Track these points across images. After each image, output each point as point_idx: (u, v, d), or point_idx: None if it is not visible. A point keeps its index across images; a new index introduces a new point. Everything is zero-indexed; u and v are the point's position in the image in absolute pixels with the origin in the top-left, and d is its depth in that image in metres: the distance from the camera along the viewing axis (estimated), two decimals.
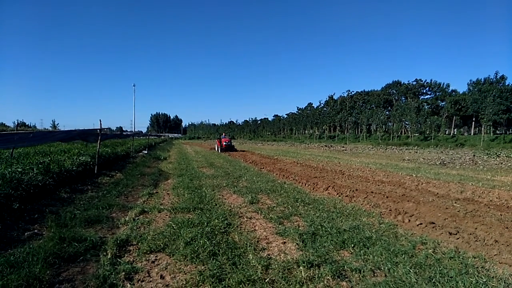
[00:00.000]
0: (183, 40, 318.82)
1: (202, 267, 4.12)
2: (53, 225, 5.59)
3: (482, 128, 56.38)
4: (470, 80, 66.11)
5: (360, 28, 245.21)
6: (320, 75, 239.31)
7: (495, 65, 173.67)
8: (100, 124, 12.44)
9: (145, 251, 4.72)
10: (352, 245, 4.87)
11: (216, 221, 6.10)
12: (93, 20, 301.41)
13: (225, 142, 30.40)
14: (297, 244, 5.02)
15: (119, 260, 4.36)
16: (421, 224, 6.12)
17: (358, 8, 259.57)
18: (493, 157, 23.61)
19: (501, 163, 19.34)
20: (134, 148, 26.92)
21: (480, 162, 19.96)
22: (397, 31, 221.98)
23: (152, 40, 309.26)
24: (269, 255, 4.60)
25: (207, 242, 4.85)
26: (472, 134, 67.62)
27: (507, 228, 5.85)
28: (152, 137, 66.68)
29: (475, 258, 4.46)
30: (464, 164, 19.06)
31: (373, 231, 5.66)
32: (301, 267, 4.01)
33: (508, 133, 61.88)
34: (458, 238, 5.31)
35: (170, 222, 6.03)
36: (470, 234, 5.51)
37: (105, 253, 4.56)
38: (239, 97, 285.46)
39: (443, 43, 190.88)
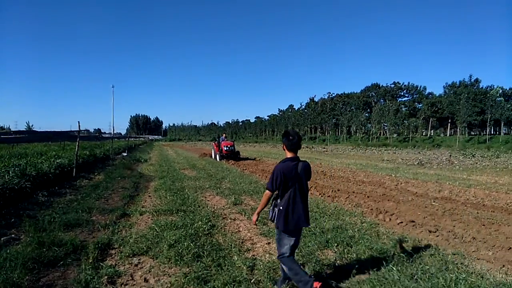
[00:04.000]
0: (163, 41, 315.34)
1: (187, 269, 4.08)
2: (31, 229, 5.42)
3: (458, 130, 58.16)
4: (446, 83, 68.41)
5: (340, 31, 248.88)
6: (301, 78, 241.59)
7: (470, 68, 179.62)
8: (79, 126, 12.17)
9: (127, 254, 4.63)
10: (336, 244, 4.92)
11: (200, 223, 6.05)
12: (69, 20, 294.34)
13: (227, 146, 21.51)
14: None
15: (101, 263, 4.26)
16: (401, 222, 6.26)
17: (339, 11, 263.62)
18: (469, 157, 24.39)
19: (476, 163, 20.00)
20: (114, 150, 26.43)
21: (456, 162, 20.57)
22: (377, 35, 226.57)
23: (131, 41, 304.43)
24: (254, 256, 4.60)
25: (191, 244, 4.80)
26: (448, 135, 69.71)
27: (483, 225, 6.05)
28: (132, 139, 65.70)
29: (454, 254, 4.58)
30: (441, 164, 19.60)
31: (356, 230, 5.73)
32: None
33: (482, 134, 64.02)
34: (437, 236, 5.46)
35: (153, 225, 5.93)
36: (449, 231, 5.67)
37: (86, 257, 4.44)
38: (220, 99, 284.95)
39: (420, 47, 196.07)
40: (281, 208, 3.32)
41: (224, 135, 23.93)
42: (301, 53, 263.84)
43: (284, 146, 3.42)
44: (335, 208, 7.51)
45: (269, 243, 5.18)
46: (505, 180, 12.41)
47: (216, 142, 22.88)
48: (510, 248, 4.74)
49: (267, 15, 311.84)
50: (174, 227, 5.76)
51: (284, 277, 3.54)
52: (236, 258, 4.38)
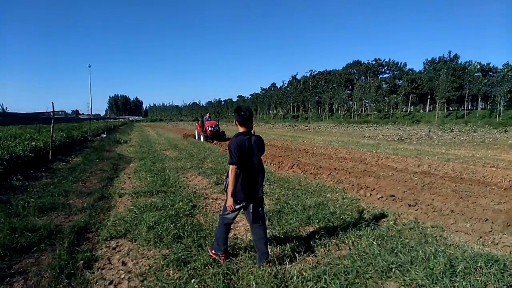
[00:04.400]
0: (141, 18, 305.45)
1: (167, 251, 4.00)
2: (3, 214, 5.21)
3: (437, 105, 59.23)
4: (425, 59, 68.92)
5: (321, 8, 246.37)
6: (283, 56, 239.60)
7: (449, 44, 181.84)
8: (53, 106, 11.70)
9: (105, 237, 4.50)
10: (317, 221, 4.92)
11: (181, 203, 5.95)
12: None
13: (211, 126, 20.25)
14: None
15: (77, 248, 4.13)
16: (382, 197, 6.32)
17: None
18: (447, 132, 24.96)
19: (455, 138, 20.48)
20: (92, 131, 25.80)
21: (435, 137, 21.00)
22: (357, 11, 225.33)
23: (109, 19, 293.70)
24: (235, 235, 4.56)
25: (171, 225, 4.71)
26: (427, 111, 70.99)
27: (461, 198, 6.17)
28: (111, 120, 64.33)
29: (433, 228, 4.65)
30: (421, 140, 19.97)
31: (337, 206, 5.76)
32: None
33: (460, 109, 65.42)
34: (417, 210, 5.54)
35: (132, 207, 5.81)
36: (428, 205, 5.75)
37: (61, 242, 4.30)
38: (202, 79, 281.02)
39: (401, 23, 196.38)
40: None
41: (207, 114, 22.47)
42: (283, 31, 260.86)
43: (237, 122, 3.52)
44: (317, 185, 7.53)
45: None
46: (482, 153, 12.73)
47: (199, 122, 21.57)
48: (487, 219, 4.84)
49: None
50: (154, 209, 5.65)
51: (261, 254, 3.55)
52: None
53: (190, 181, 8.47)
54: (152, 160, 11.87)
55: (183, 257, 3.78)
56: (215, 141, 19.66)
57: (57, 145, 14.00)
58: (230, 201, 3.45)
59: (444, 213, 5.38)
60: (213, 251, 3.75)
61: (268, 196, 6.60)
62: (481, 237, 4.34)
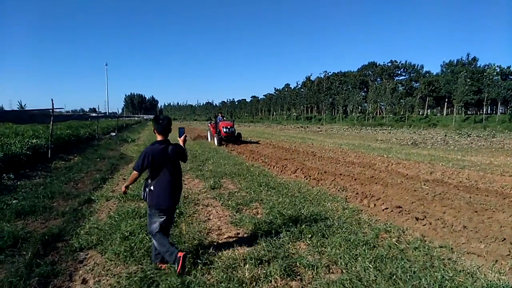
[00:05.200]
0: (158, 19, 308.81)
1: (134, 268, 3.56)
2: None
3: (454, 109, 57.59)
4: (443, 62, 67.29)
5: (337, 9, 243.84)
6: (297, 56, 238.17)
7: (468, 47, 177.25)
8: (52, 104, 11.46)
9: (75, 248, 4.11)
10: (310, 236, 4.40)
11: None
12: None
13: (226, 128, 17.81)
14: (251, 235, 4.52)
15: (39, 260, 3.73)
16: (387, 208, 5.75)
17: None
18: (464, 137, 23.93)
19: (472, 143, 19.54)
20: (102, 130, 25.81)
21: (451, 142, 20.10)
22: (373, 13, 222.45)
23: (127, 19, 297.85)
24: (216, 250, 4.08)
25: (147, 237, 4.27)
26: (444, 114, 69.20)
27: (476, 212, 5.55)
28: (126, 118, 64.85)
29: (441, 247, 4.09)
30: (436, 144, 19.13)
31: (336, 217, 5.23)
32: (247, 265, 3.51)
33: (478, 113, 63.50)
34: (424, 225, 4.95)
35: (113, 213, 5.41)
36: (438, 219, 5.16)
37: (24, 252, 3.91)
38: (217, 79, 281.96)
39: (419, 24, 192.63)
40: (151, 188, 3.48)
41: (220, 114, 20.01)
42: (298, 32, 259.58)
43: (155, 130, 3.55)
44: (318, 192, 7.00)
45: (238, 233, 4.67)
46: (500, 160, 11.94)
47: (212, 123, 19.18)
48: (504, 239, 4.24)
49: None
50: (135, 216, 5.24)
51: (157, 252, 3.55)
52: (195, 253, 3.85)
53: (185, 184, 8.05)
54: None
55: (151, 275, 3.34)
56: (229, 144, 17.75)
57: (61, 143, 13.83)
58: (123, 189, 3.61)
59: (455, 229, 4.78)
60: (165, 262, 3.56)
61: (262, 203, 6.13)
62: (497, 262, 3.76)
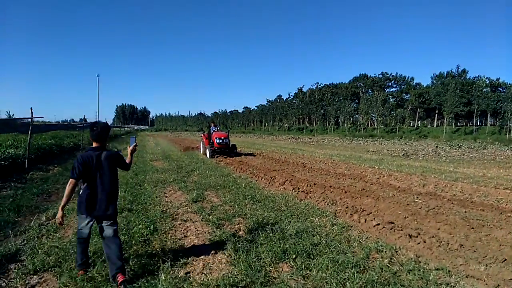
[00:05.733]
0: (150, 30, 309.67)
1: None
2: None
3: (445, 120, 58.08)
4: (433, 74, 68.02)
5: (329, 21, 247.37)
6: (289, 68, 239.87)
7: (458, 59, 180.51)
8: (31, 112, 10.97)
9: (28, 271, 3.64)
10: (294, 256, 3.99)
11: (140, 226, 5.06)
12: (53, 7, 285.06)
13: (220, 139, 16.52)
14: (230, 255, 4.09)
15: None
16: (378, 224, 5.36)
17: (328, 1, 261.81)
18: (455, 148, 23.85)
19: (463, 154, 19.40)
20: (88, 140, 25.18)
21: (442, 154, 19.94)
22: (365, 25, 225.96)
23: (118, 30, 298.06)
24: (188, 273, 3.65)
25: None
26: (435, 126, 69.66)
27: (472, 228, 5.19)
28: (116, 129, 64.15)
29: (438, 270, 3.70)
30: (427, 156, 18.93)
31: (323, 235, 4.83)
32: None
33: (468, 125, 64.07)
34: (419, 243, 4.57)
35: None
36: (432, 236, 4.80)
37: None
38: (209, 89, 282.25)
39: (409, 37, 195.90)
40: (81, 193, 3.41)
41: (213, 124, 18.70)
42: (290, 43, 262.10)
43: (90, 137, 3.50)
44: (305, 206, 6.60)
45: (215, 253, 4.24)
46: (493, 173, 11.70)
47: (205, 134, 17.84)
48: (505, 260, 3.88)
49: (256, 5, 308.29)
50: None
51: (112, 265, 3.32)
52: (163, 278, 3.41)
53: (166, 196, 7.61)
54: (135, 171, 11.03)
55: None
56: (223, 157, 16.36)
57: (41, 153, 13.28)
58: (59, 214, 3.30)
59: (451, 247, 4.42)
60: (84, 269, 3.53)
61: (246, 218, 5.71)
62: (498, 286, 3.39)
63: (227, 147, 16.88)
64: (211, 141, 16.80)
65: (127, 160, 3.80)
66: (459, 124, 69.46)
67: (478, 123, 65.82)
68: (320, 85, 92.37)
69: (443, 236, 4.86)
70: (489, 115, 59.83)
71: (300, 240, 4.53)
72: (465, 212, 6.27)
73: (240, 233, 4.98)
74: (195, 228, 5.30)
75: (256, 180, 9.82)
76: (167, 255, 4.02)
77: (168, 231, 5.09)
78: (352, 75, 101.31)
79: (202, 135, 18.64)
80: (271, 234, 4.70)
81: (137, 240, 4.56)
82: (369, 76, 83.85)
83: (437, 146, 26.15)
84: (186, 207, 6.64)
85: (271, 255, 3.99)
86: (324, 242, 4.52)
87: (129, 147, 3.88)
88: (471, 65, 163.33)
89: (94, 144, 3.48)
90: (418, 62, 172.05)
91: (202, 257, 4.13)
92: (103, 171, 3.40)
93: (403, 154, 19.64)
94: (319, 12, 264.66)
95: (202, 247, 4.46)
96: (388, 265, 3.80)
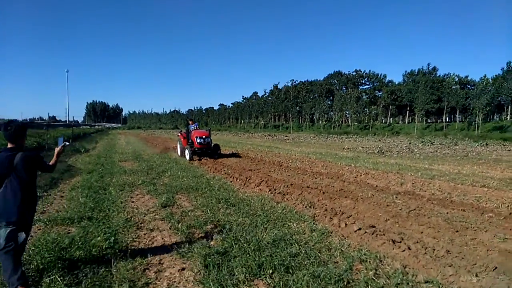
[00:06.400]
0: (122, 25, 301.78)
1: None
2: None
3: (416, 117, 59.38)
4: (405, 71, 69.44)
5: (304, 18, 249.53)
6: (265, 64, 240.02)
7: (429, 56, 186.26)
8: None
9: None
10: (271, 271, 3.58)
11: (99, 238, 4.51)
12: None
13: (201, 138, 14.67)
14: (199, 272, 3.64)
15: None
16: (359, 229, 5.04)
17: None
18: (428, 145, 24.23)
19: (436, 151, 19.66)
20: (55, 139, 23.94)
21: (416, 150, 20.14)
22: (339, 22, 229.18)
23: (89, 25, 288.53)
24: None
25: (59, 279, 3.29)
26: (406, 122, 71.25)
27: (457, 231, 4.96)
28: (84, 127, 61.96)
29: (428, 283, 3.39)
30: (401, 153, 19.05)
31: (302, 243, 4.46)
32: None
33: (438, 121, 65.95)
34: (404, 250, 4.25)
35: (31, 244, 4.33)
36: (417, 242, 4.51)
37: None
38: (184, 86, 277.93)
39: (381, 34, 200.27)
40: None
41: (191, 121, 16.60)
42: (266, 40, 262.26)
43: (4, 137, 3.28)
44: (282, 209, 6.21)
45: (182, 269, 3.77)
46: (468, 169, 11.75)
47: (183, 133, 16.25)
48: (496, 268, 3.63)
49: (230, 1, 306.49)
50: (55, 247, 4.18)
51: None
52: None
53: (133, 201, 7.04)
54: (101, 173, 10.34)
55: None
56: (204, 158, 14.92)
57: None
58: None
59: (438, 254, 4.14)
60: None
61: (219, 225, 5.27)
62: None
63: (208, 147, 15.14)
64: (190, 140, 15.15)
65: (51, 162, 3.58)
66: (429, 120, 71.40)
67: (448, 120, 67.89)
68: (295, 82, 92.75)
69: (428, 241, 4.60)
70: (458, 112, 61.79)
71: (278, 250, 4.13)
72: (447, 213, 6.06)
73: (212, 243, 4.52)
74: (162, 239, 4.80)
75: (231, 181, 9.37)
76: (127, 273, 3.52)
77: (131, 243, 4.57)
78: (327, 72, 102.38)
79: (179, 134, 16.91)
80: (245, 245, 4.28)
81: (94, 255, 4.01)
82: (343, 73, 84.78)
83: (410, 143, 26.52)
84: (154, 214, 6.12)
85: (245, 271, 3.56)
86: (303, 251, 4.14)
87: (57, 148, 3.71)
88: (441, 63, 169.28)
89: (9, 145, 3.22)
90: (391, 60, 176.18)
91: (167, 274, 3.67)
92: (15, 173, 3.11)
93: (378, 151, 19.69)
94: (293, 9, 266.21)
95: (168, 263, 3.98)
96: (374, 278, 3.46)
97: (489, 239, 4.65)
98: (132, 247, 4.43)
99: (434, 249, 4.28)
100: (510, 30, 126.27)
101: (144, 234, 4.97)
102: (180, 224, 5.33)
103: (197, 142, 14.62)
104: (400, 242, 4.54)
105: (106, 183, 8.80)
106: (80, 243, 4.35)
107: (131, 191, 7.98)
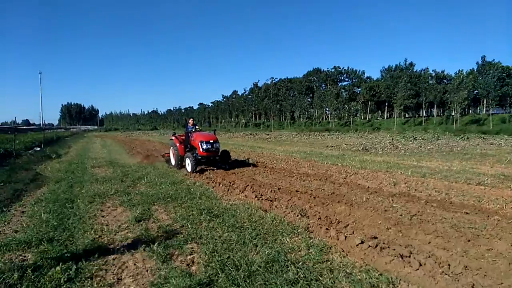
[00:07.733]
0: (98, 23, 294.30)
1: None
2: None
3: (395, 112, 60.13)
4: (383, 67, 70.23)
5: (282, 17, 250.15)
6: (245, 63, 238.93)
7: (406, 52, 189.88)
8: None
9: None
10: None
11: (58, 268, 3.75)
12: None
13: (208, 143, 11.14)
14: None
15: None
16: (362, 243, 4.44)
17: None
18: (411, 140, 24.15)
19: (420, 146, 19.52)
20: (26, 144, 22.59)
21: (400, 146, 19.96)
22: (317, 19, 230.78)
23: (62, 24, 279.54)
24: None
25: None
26: (385, 118, 72.11)
27: (469, 241, 4.45)
28: (58, 130, 59.72)
29: None
30: (386, 149, 18.79)
31: (300, 263, 3.83)
32: None
33: (417, 116, 66.97)
34: (417, 269, 3.68)
35: None
36: (428, 256, 3.96)
37: None
38: (162, 86, 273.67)
39: (358, 31, 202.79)
40: None
41: (191, 121, 12.88)
42: (245, 38, 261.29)
43: None
44: (272, 220, 5.58)
45: None
46: (457, 166, 11.45)
47: (178, 136, 12.91)
48: None
49: (206, 2, 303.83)
50: (1, 286, 3.41)
51: None
52: None
53: (103, 216, 6.24)
54: (71, 182, 9.44)
55: None
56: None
57: None
58: None
59: (455, 271, 3.60)
60: None
61: (201, 244, 4.58)
62: None
63: (216, 154, 11.68)
64: (191, 145, 11.88)
65: None
66: (407, 115, 72.49)
67: (426, 114, 69.05)
68: (275, 80, 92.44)
69: (440, 254, 4.06)
70: (435, 106, 62.91)
71: (272, 276, 3.49)
72: (452, 218, 5.56)
73: (193, 268, 3.84)
74: (134, 265, 4.07)
75: (213, 187, 8.66)
76: None
77: (96, 273, 3.82)
78: (306, 70, 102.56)
79: (173, 137, 12.88)
80: (233, 271, 3.62)
81: None
82: (322, 70, 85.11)
83: (392, 139, 26.43)
84: (126, 231, 5.36)
85: None
86: (302, 276, 3.52)
87: None
88: (417, 58, 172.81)
89: None
90: (368, 56, 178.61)
91: None
92: None
93: (362, 148, 19.37)
94: (271, 8, 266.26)
95: None
96: None
97: (506, 250, 4.15)
98: (98, 278, 3.69)
99: (449, 265, 3.74)
100: (485, 25, 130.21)
101: (113, 260, 4.22)
102: (156, 244, 4.60)
103: (203, 149, 11.16)
104: (409, 257, 3.98)
105: (74, 194, 7.94)
106: (33, 276, 3.59)
107: (102, 203, 7.16)
